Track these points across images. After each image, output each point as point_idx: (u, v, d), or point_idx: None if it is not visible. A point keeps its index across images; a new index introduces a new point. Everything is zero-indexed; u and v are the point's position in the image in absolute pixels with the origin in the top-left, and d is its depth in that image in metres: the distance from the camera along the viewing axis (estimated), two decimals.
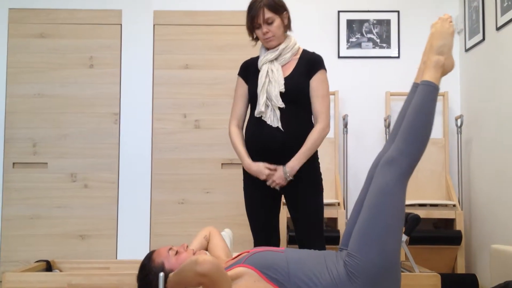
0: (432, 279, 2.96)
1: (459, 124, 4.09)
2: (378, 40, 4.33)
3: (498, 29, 3.58)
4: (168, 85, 4.32)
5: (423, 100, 2.04)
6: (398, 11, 4.34)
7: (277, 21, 2.67)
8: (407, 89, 4.24)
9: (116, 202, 4.23)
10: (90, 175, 4.25)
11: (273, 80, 2.62)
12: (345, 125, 4.19)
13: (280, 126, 2.61)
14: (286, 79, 2.65)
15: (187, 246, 2.09)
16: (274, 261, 1.95)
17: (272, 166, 2.63)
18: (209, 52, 4.34)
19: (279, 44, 2.72)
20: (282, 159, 2.63)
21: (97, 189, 4.24)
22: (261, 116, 2.65)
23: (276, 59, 2.69)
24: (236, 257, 2.12)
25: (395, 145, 2.04)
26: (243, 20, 4.30)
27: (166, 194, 4.26)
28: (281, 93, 2.61)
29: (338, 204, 3.94)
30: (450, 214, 3.88)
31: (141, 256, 4.14)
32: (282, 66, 2.69)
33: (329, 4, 4.37)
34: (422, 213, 3.74)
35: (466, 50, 4.14)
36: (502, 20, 3.50)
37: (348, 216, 4.09)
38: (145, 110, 4.30)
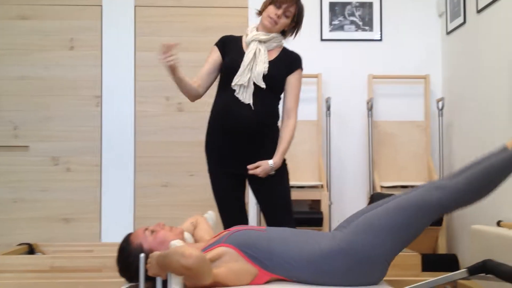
0: (412, 259, 3.01)
1: (440, 107, 4.13)
2: (360, 23, 4.34)
3: (478, 11, 3.60)
4: (151, 68, 4.29)
5: (509, 163, 2.03)
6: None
7: (289, 21, 2.75)
8: (389, 72, 4.31)
9: (99, 185, 4.22)
10: (73, 158, 4.23)
11: (259, 61, 2.68)
12: (328, 108, 4.21)
13: (251, 104, 2.65)
14: (270, 63, 2.71)
15: (163, 225, 2.09)
16: (255, 240, 1.96)
17: (252, 166, 2.68)
18: (193, 35, 4.32)
19: (271, 32, 2.77)
20: (247, 136, 2.67)
21: (80, 172, 4.22)
22: (235, 91, 2.68)
23: (265, 42, 2.74)
24: (216, 236, 2.12)
25: (457, 179, 2.04)
26: (226, 1, 4.32)
27: (149, 177, 4.25)
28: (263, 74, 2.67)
29: (322, 186, 3.97)
30: None
31: None
32: (267, 51, 2.75)
33: None
34: None
35: (448, 33, 4.17)
36: (482, 3, 3.52)
37: (332, 198, 4.14)
38: (127, 93, 4.27)
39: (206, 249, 1.97)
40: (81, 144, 4.23)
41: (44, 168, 4.21)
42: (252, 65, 2.68)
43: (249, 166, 2.66)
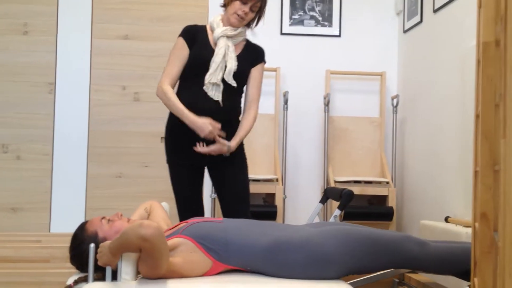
0: None
1: (395, 104, 4.20)
2: (320, 18, 4.36)
3: (435, 11, 3.67)
4: (107, 56, 4.21)
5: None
6: None
7: (252, 15, 2.75)
8: (346, 68, 4.35)
9: (50, 175, 4.12)
10: (23, 146, 4.11)
11: (229, 57, 2.70)
12: (286, 102, 4.22)
13: (220, 101, 2.67)
14: (237, 58, 2.74)
15: (121, 215, 2.06)
16: (212, 231, 1.95)
17: (217, 124, 2.63)
18: (150, 23, 4.25)
19: (239, 26, 2.77)
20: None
21: (30, 161, 4.11)
22: (203, 86, 2.66)
23: (232, 38, 2.75)
24: (173, 227, 2.11)
25: (437, 244, 2.11)
26: None
27: (102, 168, 4.17)
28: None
29: (277, 180, 3.99)
30: (383, 191, 4.00)
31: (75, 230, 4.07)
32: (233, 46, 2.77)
33: None
34: (357, 189, 3.83)
35: (405, 31, 4.24)
36: (439, 3, 3.59)
37: (286, 192, 4.16)
38: (82, 81, 4.18)
39: None
40: (32, 131, 4.12)
41: None
42: (225, 63, 2.69)
43: (209, 127, 2.60)
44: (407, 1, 4.17)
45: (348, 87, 4.40)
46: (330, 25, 4.37)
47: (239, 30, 2.75)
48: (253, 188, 3.93)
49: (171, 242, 1.91)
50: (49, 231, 4.04)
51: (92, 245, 1.85)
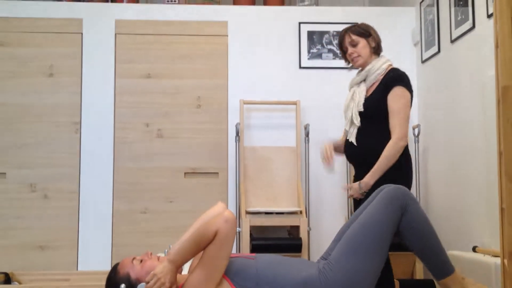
0: None
1: (416, 133, 4.21)
2: (338, 51, 4.42)
3: (452, 41, 3.70)
4: (130, 94, 4.31)
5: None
6: (356, 24, 4.44)
7: (362, 43, 2.89)
8: None
9: (77, 213, 4.18)
10: (50, 185, 4.19)
11: (354, 102, 2.86)
12: (307, 134, 4.25)
13: (354, 141, 2.83)
14: (367, 99, 2.84)
15: (150, 254, 2.10)
16: (244, 268, 1.99)
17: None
18: (171, 62, 4.35)
19: (366, 65, 2.90)
20: (360, 171, 2.85)
21: (57, 199, 4.18)
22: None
23: (364, 80, 2.88)
24: None
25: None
26: (205, 30, 4.38)
27: (128, 204, 4.23)
28: (360, 112, 2.82)
29: (300, 212, 4.00)
30: None
31: (102, 267, 4.13)
32: (370, 87, 2.88)
33: (291, 16, 4.44)
34: None
35: (423, 62, 4.27)
36: (456, 33, 3.63)
37: (310, 224, 4.16)
38: (106, 119, 4.27)
39: None
40: (59, 170, 4.21)
41: (21, 195, 4.16)
42: (352, 109, 2.86)
43: (342, 186, 2.90)
44: (424, 32, 4.21)
45: None
46: None
47: (366, 69, 2.88)
48: (277, 221, 3.96)
49: None
50: (77, 269, 4.09)
51: (122, 286, 1.89)
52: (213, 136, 4.32)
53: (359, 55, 2.89)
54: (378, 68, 2.85)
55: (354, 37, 2.89)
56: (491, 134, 3.11)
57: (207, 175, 4.29)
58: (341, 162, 4.33)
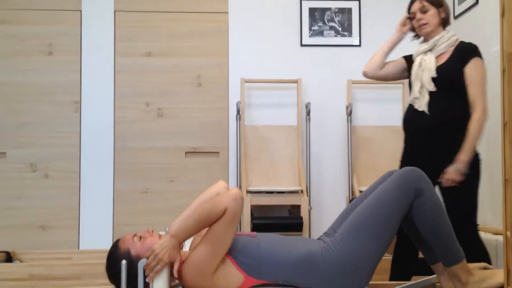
0: (387, 263, 3.02)
1: None
2: (339, 29, 4.38)
3: (455, 18, 3.66)
4: (130, 73, 4.27)
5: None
6: (359, 0, 4.39)
7: (433, 11, 2.78)
8: None
9: (78, 192, 4.18)
10: (51, 164, 4.18)
11: (425, 68, 2.73)
12: (308, 113, 4.23)
13: (426, 110, 2.68)
14: (439, 67, 2.72)
15: (152, 231, 2.08)
16: (246, 246, 1.98)
17: None
18: (172, 40, 4.31)
19: (432, 35, 2.79)
20: (428, 143, 2.68)
21: (58, 179, 4.18)
22: (412, 102, 2.76)
23: (430, 50, 2.78)
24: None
25: None
26: (205, 7, 4.33)
27: (129, 184, 4.22)
28: (433, 79, 2.69)
29: (301, 191, 3.99)
30: None
31: (104, 246, 4.12)
32: (437, 57, 2.76)
33: None
34: None
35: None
36: (459, 9, 3.58)
37: (311, 203, 4.15)
38: (106, 99, 4.25)
39: None
40: (59, 150, 4.19)
41: (22, 175, 4.15)
42: (421, 77, 2.73)
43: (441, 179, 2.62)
44: None
45: (370, 96, 4.39)
46: (350, 35, 4.38)
47: (435, 38, 2.76)
48: (278, 200, 3.95)
49: None
50: (78, 247, 4.09)
51: (123, 262, 1.88)
52: (213, 115, 4.29)
53: (427, 23, 2.78)
54: (448, 39, 2.76)
55: (425, 3, 2.78)
56: (494, 110, 3.08)
57: (208, 155, 4.28)
58: (341, 145, 4.31)
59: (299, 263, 1.95)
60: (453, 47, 2.76)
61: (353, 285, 1.97)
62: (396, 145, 4.25)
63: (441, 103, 2.67)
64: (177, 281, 2.03)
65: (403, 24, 2.88)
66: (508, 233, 1.13)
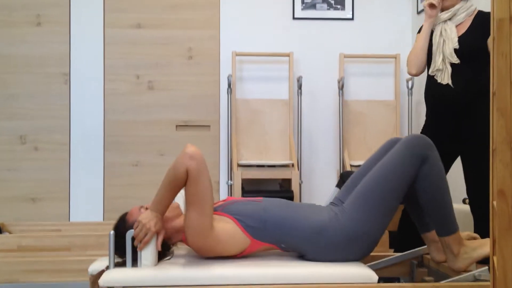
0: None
1: (409, 86, 4.17)
2: (332, 2, 4.33)
3: None
4: (120, 45, 4.22)
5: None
6: None
7: None
8: (360, 51, 4.32)
9: (68, 164, 4.16)
10: (40, 137, 4.15)
11: (446, 39, 2.66)
12: (299, 87, 4.21)
13: (450, 83, 2.63)
14: (460, 37, 2.66)
15: None
16: (251, 209, 1.99)
17: None
18: (162, 12, 4.25)
19: (453, 6, 2.72)
20: (452, 116, 2.65)
21: (48, 151, 4.15)
22: (434, 75, 2.69)
23: (450, 19, 2.71)
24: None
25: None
26: None
27: (119, 156, 4.21)
28: (455, 50, 2.63)
29: (292, 165, 3.99)
30: None
31: (94, 219, 4.13)
32: (457, 26, 2.70)
33: None
34: None
35: (418, 12, 4.19)
36: None
37: (302, 177, 4.16)
38: (96, 71, 4.20)
39: None
40: (49, 122, 4.16)
41: (11, 147, 4.13)
42: (442, 48, 2.66)
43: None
44: None
45: (362, 70, 4.37)
46: (343, 8, 4.33)
47: (455, 8, 2.69)
48: (269, 174, 3.96)
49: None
50: (69, 220, 4.09)
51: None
52: (204, 88, 4.26)
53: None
54: (467, 8, 2.71)
55: None
56: None
57: (199, 128, 4.26)
58: (333, 119, 4.31)
59: (306, 229, 1.96)
60: (472, 17, 2.71)
61: (357, 253, 1.99)
62: (388, 119, 4.26)
63: (465, 75, 2.62)
64: (173, 249, 2.03)
65: (432, 8, 2.71)
66: (494, 203, 1.13)
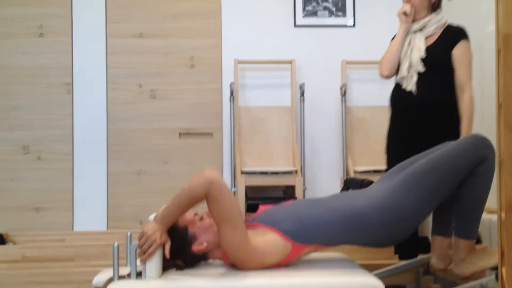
0: None
1: None
2: (333, 9, 4.34)
3: None
4: (123, 54, 4.23)
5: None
6: None
7: None
8: (362, 57, 4.32)
9: (71, 174, 4.17)
10: (43, 147, 4.16)
11: (414, 48, 2.77)
12: (302, 94, 4.21)
13: (414, 90, 2.73)
14: (428, 47, 2.77)
15: (209, 214, 2.05)
16: (285, 213, 1.98)
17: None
18: (164, 21, 4.26)
19: (420, 17, 2.83)
20: (417, 122, 2.74)
21: (51, 161, 4.16)
22: (399, 82, 2.79)
23: (420, 30, 2.81)
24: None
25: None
26: None
27: (122, 165, 4.21)
28: (422, 60, 2.74)
29: (296, 172, 3.99)
30: None
31: (98, 227, 4.13)
32: (427, 38, 2.81)
33: None
34: (377, 178, 3.81)
35: None
36: None
37: (305, 183, 4.16)
38: (99, 80, 4.21)
39: None
40: (52, 132, 4.17)
41: (14, 158, 4.13)
42: (409, 55, 2.76)
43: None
44: None
45: (365, 76, 4.37)
46: (344, 15, 4.34)
47: (425, 20, 2.79)
48: (273, 181, 3.96)
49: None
50: (72, 229, 4.09)
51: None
52: (207, 96, 4.27)
53: (414, 8, 2.81)
54: (438, 21, 2.82)
55: None
56: (488, 91, 3.08)
57: (202, 136, 4.27)
58: (336, 126, 4.31)
59: (344, 220, 1.94)
60: (441, 29, 2.82)
61: (400, 233, 1.96)
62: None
63: (429, 83, 2.72)
64: (210, 261, 2.02)
65: (405, 15, 2.83)
66: (503, 215, 1.13)
